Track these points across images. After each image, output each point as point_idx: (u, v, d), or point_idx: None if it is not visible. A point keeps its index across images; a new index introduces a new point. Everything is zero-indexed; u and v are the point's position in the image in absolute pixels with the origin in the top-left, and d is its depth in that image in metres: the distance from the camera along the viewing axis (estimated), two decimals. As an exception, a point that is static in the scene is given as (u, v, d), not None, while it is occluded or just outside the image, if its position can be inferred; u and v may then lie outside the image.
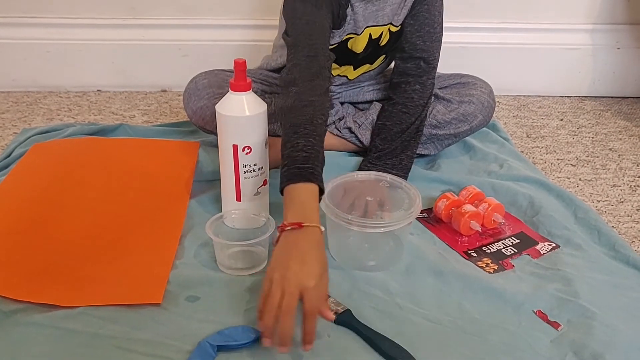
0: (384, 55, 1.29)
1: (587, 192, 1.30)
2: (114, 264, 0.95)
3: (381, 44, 1.24)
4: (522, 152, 1.45)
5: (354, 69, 1.29)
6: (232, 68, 0.98)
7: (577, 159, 1.45)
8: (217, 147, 1.03)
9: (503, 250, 1.04)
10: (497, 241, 1.06)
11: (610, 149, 1.50)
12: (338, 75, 1.30)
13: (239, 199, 1.04)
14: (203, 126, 1.26)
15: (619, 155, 1.47)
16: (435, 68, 1.23)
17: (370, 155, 1.21)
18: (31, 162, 1.20)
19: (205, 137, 1.33)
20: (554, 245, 1.05)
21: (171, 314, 0.86)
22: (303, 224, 0.81)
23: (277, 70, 1.31)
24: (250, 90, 0.99)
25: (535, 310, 0.89)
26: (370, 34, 1.20)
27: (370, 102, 1.33)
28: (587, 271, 0.98)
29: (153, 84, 1.75)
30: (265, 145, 1.03)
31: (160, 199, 1.10)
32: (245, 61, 0.97)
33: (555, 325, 0.87)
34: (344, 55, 1.23)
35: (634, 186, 1.33)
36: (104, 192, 1.11)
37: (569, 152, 1.48)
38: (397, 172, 1.16)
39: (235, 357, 0.79)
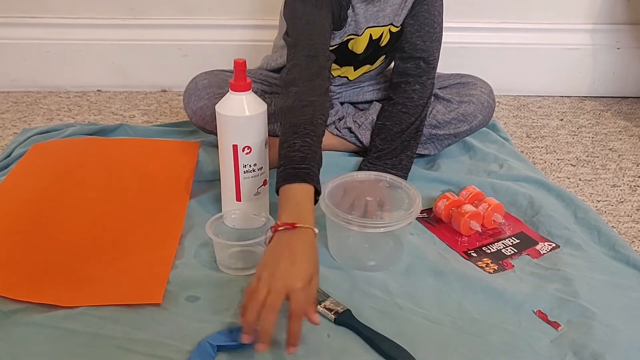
0: (384, 56, 1.29)
1: (587, 192, 1.30)
2: (114, 264, 0.95)
3: (381, 45, 1.24)
4: (522, 152, 1.45)
5: (355, 70, 1.29)
6: (232, 68, 0.99)
7: (577, 159, 1.45)
8: (217, 147, 1.03)
9: (503, 250, 1.04)
10: (497, 241, 1.06)
11: (610, 149, 1.50)
12: (338, 75, 1.30)
13: (238, 199, 1.04)
14: (203, 126, 1.26)
15: (619, 155, 1.47)
16: (435, 68, 1.24)
17: (370, 155, 1.21)
18: (31, 162, 1.20)
19: (205, 137, 1.33)
20: (554, 245, 1.05)
21: (171, 314, 0.86)
22: (296, 225, 0.81)
23: (277, 70, 1.31)
24: (250, 90, 0.99)
25: (535, 311, 0.89)
26: (370, 35, 1.20)
27: (370, 102, 1.33)
28: (587, 271, 0.98)
29: (153, 84, 1.75)
30: (265, 145, 1.03)
31: (160, 199, 1.10)
32: (245, 61, 0.97)
33: (555, 325, 0.87)
34: (344, 56, 1.23)
35: (634, 186, 1.33)
36: (104, 192, 1.11)
37: (569, 152, 1.48)
38: (397, 172, 1.16)
39: (235, 357, 0.79)
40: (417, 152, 1.24)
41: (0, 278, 0.90)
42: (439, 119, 1.26)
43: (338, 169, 1.19)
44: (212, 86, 1.22)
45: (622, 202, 1.27)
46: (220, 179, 1.06)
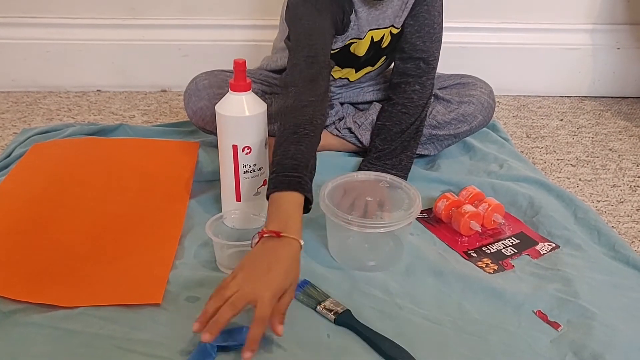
0: (384, 57, 1.29)
1: (587, 192, 1.30)
2: (114, 264, 0.95)
3: (382, 46, 1.24)
4: (522, 152, 1.45)
5: (356, 72, 1.29)
6: (232, 68, 0.98)
7: (577, 159, 1.45)
8: (217, 147, 1.03)
9: (503, 250, 1.04)
10: (497, 241, 1.06)
11: (610, 149, 1.50)
12: (339, 77, 1.30)
13: (238, 199, 1.04)
14: (203, 126, 1.26)
15: (619, 155, 1.47)
16: (435, 68, 1.23)
17: (370, 156, 1.21)
18: (31, 162, 1.20)
19: (205, 137, 1.33)
20: (554, 245, 1.05)
21: (171, 314, 0.86)
22: (281, 234, 0.81)
23: (277, 71, 1.31)
24: (250, 91, 0.99)
25: (535, 311, 0.89)
26: (372, 37, 1.20)
27: (370, 102, 1.33)
28: (587, 271, 0.98)
29: (153, 84, 1.75)
30: (265, 145, 1.03)
31: (160, 199, 1.10)
32: (245, 61, 0.97)
33: (555, 325, 0.87)
34: (346, 59, 1.23)
35: (634, 186, 1.33)
36: (103, 192, 1.11)
37: (569, 152, 1.48)
38: (397, 172, 1.15)
39: (235, 357, 0.79)
40: (417, 152, 1.24)
41: (0, 278, 0.90)
42: (438, 119, 1.26)
43: (338, 169, 1.19)
44: (212, 86, 1.22)
45: (622, 202, 1.27)
46: (220, 179, 1.06)
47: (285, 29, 1.20)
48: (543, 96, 1.81)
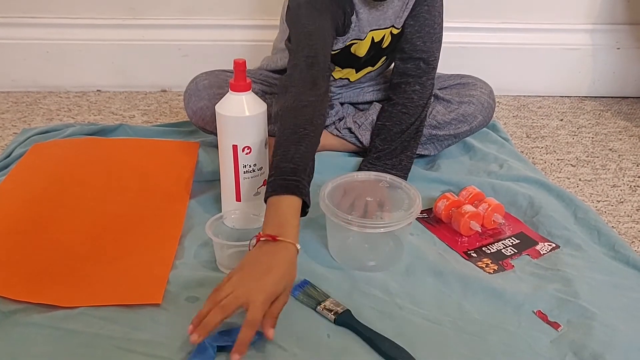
0: (385, 57, 1.29)
1: (587, 192, 1.30)
2: (114, 264, 0.95)
3: (383, 47, 1.24)
4: (522, 152, 1.45)
5: (357, 72, 1.29)
6: (232, 68, 0.99)
7: (577, 159, 1.45)
8: (217, 147, 1.03)
9: (503, 250, 1.04)
10: (497, 241, 1.06)
11: (610, 149, 1.50)
12: (340, 78, 1.30)
13: (238, 199, 1.04)
14: (203, 126, 1.26)
15: (619, 155, 1.47)
16: (435, 68, 1.23)
17: (370, 156, 1.21)
18: (31, 162, 1.20)
19: (205, 137, 1.33)
20: (554, 245, 1.05)
21: (171, 314, 0.86)
22: (278, 238, 0.81)
23: (277, 71, 1.31)
24: (250, 91, 0.99)
25: (535, 311, 0.89)
26: (372, 38, 1.20)
27: (370, 102, 1.33)
28: (587, 271, 0.98)
29: (153, 84, 1.75)
30: (265, 145, 1.03)
31: (160, 199, 1.10)
32: (245, 61, 0.97)
33: (555, 325, 0.87)
34: (347, 59, 1.23)
35: (634, 186, 1.33)
36: (103, 192, 1.11)
37: (569, 152, 1.48)
38: (397, 172, 1.15)
39: (235, 357, 0.79)
40: (417, 152, 1.24)
41: (0, 278, 0.90)
42: (439, 119, 1.26)
43: (338, 169, 1.19)
44: (212, 86, 1.22)
45: (622, 202, 1.27)
46: (220, 179, 1.06)
47: (285, 30, 1.20)
48: (543, 96, 1.81)
